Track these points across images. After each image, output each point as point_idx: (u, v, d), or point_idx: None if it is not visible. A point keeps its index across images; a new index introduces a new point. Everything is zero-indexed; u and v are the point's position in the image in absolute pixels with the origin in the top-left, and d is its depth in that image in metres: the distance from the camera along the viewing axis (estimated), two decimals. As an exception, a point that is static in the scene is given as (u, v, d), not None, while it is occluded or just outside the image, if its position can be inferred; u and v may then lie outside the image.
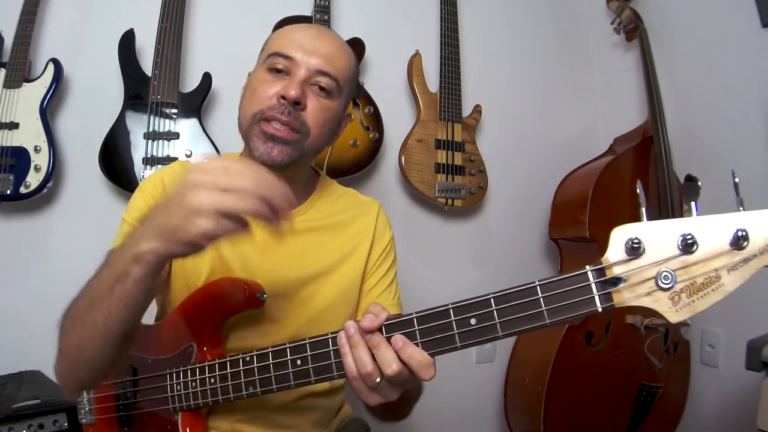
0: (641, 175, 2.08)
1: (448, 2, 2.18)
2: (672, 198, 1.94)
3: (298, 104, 1.05)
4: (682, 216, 1.90)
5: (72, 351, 0.93)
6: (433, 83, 2.16)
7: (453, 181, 2.12)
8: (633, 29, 2.26)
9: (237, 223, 0.76)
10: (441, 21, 2.17)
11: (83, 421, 1.24)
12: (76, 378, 0.98)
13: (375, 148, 2.02)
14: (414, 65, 2.13)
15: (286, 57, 1.07)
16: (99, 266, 0.91)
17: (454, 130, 2.14)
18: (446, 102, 2.13)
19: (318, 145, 1.12)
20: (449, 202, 2.12)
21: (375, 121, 2.02)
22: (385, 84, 2.14)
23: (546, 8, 2.53)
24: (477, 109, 2.23)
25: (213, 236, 0.76)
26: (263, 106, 1.06)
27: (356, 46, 2.01)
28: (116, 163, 1.73)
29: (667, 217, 1.91)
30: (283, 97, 1.04)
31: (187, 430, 1.05)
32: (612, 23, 2.35)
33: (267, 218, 0.78)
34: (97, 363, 0.93)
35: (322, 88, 1.08)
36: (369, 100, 2.02)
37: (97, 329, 0.87)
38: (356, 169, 1.99)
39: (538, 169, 2.41)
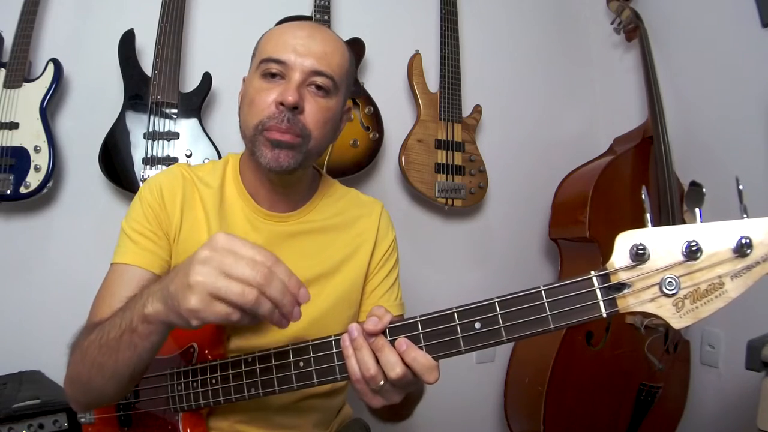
0: (641, 175, 2.08)
1: (448, 2, 2.18)
2: (672, 198, 1.95)
3: (296, 108, 1.05)
4: (682, 216, 1.89)
5: (82, 383, 0.96)
6: (433, 83, 2.16)
7: (453, 181, 2.12)
8: (633, 29, 2.26)
9: (234, 308, 0.74)
10: (441, 21, 2.17)
11: (83, 420, 1.24)
12: (86, 402, 1.02)
13: (375, 148, 2.02)
14: (414, 65, 2.13)
15: (279, 62, 1.06)
16: (114, 313, 0.92)
17: (454, 130, 2.14)
18: (446, 102, 2.13)
19: (321, 145, 1.12)
20: (449, 202, 2.12)
21: (375, 121, 2.02)
22: (385, 84, 2.13)
23: (546, 8, 2.53)
24: (477, 109, 2.23)
25: (201, 317, 0.74)
26: (263, 116, 1.05)
27: (356, 46, 2.01)
28: (116, 163, 1.72)
29: (667, 217, 1.92)
30: (281, 104, 1.04)
31: (188, 430, 1.06)
32: (612, 23, 2.35)
33: (269, 315, 0.75)
34: (108, 395, 0.97)
35: (319, 87, 1.07)
36: (369, 100, 2.02)
37: (106, 370, 0.90)
38: (356, 169, 1.98)
39: (538, 169, 2.41)
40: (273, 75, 1.07)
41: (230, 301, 0.72)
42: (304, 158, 1.09)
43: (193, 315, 0.74)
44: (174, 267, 0.83)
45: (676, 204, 1.94)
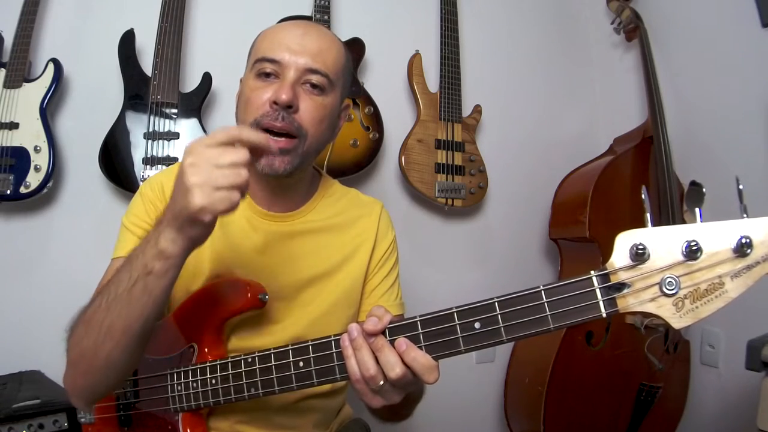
0: (641, 175, 2.09)
1: (448, 2, 2.17)
2: (672, 198, 1.95)
3: (291, 107, 1.04)
4: (682, 216, 1.89)
5: (87, 358, 0.93)
6: (433, 83, 2.16)
7: (453, 181, 2.12)
8: (633, 29, 2.26)
9: (234, 190, 0.81)
10: (441, 21, 2.17)
11: (83, 420, 1.24)
12: (90, 387, 0.98)
13: (375, 148, 2.02)
14: (414, 65, 2.13)
15: (273, 61, 1.05)
16: (115, 272, 0.93)
17: (454, 130, 2.14)
18: (446, 102, 2.13)
19: (318, 143, 1.12)
20: (449, 202, 2.12)
21: (375, 121, 2.02)
22: (385, 84, 2.13)
23: (546, 8, 2.53)
24: (477, 109, 2.23)
25: (211, 210, 0.80)
26: (257, 114, 1.05)
27: (356, 46, 2.00)
28: (116, 163, 1.72)
29: (667, 217, 1.92)
30: (275, 102, 1.03)
31: (188, 430, 1.06)
32: (612, 23, 2.34)
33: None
34: (115, 365, 0.94)
35: (314, 86, 1.06)
36: (369, 100, 2.02)
37: (115, 330, 0.88)
38: (356, 169, 1.98)
39: (538, 169, 2.41)
40: (267, 74, 1.06)
41: (229, 185, 0.80)
42: (301, 160, 1.08)
43: (203, 212, 0.80)
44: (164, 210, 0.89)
45: (676, 204, 1.94)
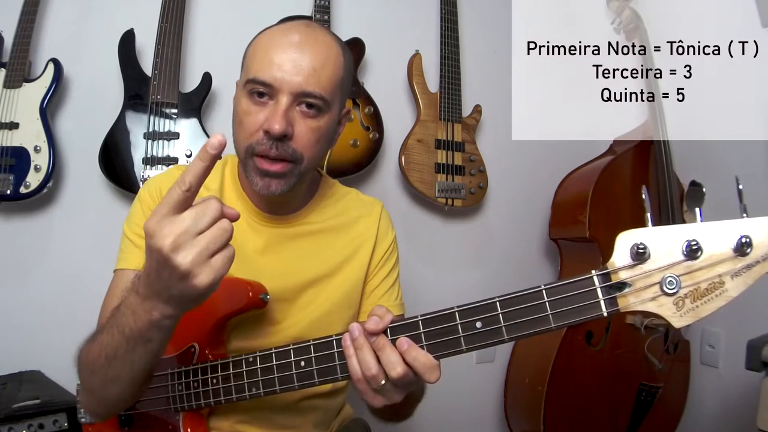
0: (641, 175, 2.09)
1: (448, 2, 2.18)
2: (672, 198, 1.95)
3: (285, 136, 1.01)
4: (682, 216, 1.89)
5: (96, 394, 0.97)
6: (433, 83, 2.16)
7: (453, 181, 2.12)
8: (633, 29, 2.26)
9: (226, 246, 0.77)
10: (441, 21, 2.17)
11: (83, 420, 1.24)
12: (105, 412, 1.03)
13: (375, 148, 2.02)
14: (414, 65, 2.13)
15: (265, 84, 1.01)
16: (105, 323, 0.93)
17: (454, 130, 2.14)
18: (446, 102, 2.13)
19: (315, 162, 1.10)
20: (449, 202, 2.12)
21: (375, 121, 2.02)
22: (385, 84, 2.13)
23: (546, 8, 2.52)
24: (477, 109, 2.23)
25: (217, 279, 0.76)
26: (252, 141, 1.02)
27: (356, 46, 2.01)
28: (116, 163, 1.72)
29: (667, 216, 1.93)
30: (268, 131, 1.00)
31: (189, 430, 1.05)
32: (612, 23, 2.34)
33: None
34: (127, 399, 0.99)
35: (309, 106, 1.02)
36: (369, 100, 2.02)
37: (121, 380, 0.92)
38: (356, 169, 1.99)
39: (538, 169, 2.41)
40: (261, 94, 1.02)
41: (220, 246, 0.75)
42: (297, 180, 1.07)
43: (211, 288, 0.76)
44: (146, 273, 0.80)
45: (676, 204, 1.95)
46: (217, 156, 0.76)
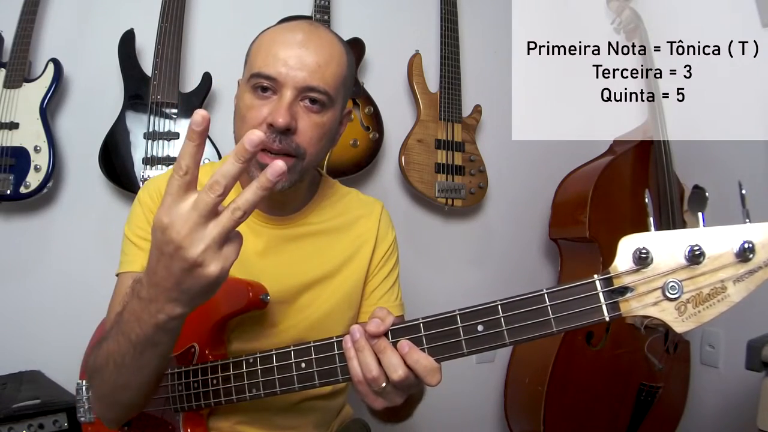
0: (641, 175, 2.09)
1: (448, 2, 2.18)
2: (672, 198, 1.95)
3: (288, 130, 1.01)
4: (682, 216, 1.89)
5: (107, 400, 0.98)
6: (433, 83, 2.16)
7: (453, 181, 2.12)
8: (633, 29, 2.26)
9: (233, 228, 0.74)
10: (441, 21, 2.17)
11: (82, 419, 1.24)
12: (117, 418, 1.03)
13: (375, 148, 2.02)
14: (414, 65, 2.13)
15: (269, 78, 1.01)
16: (109, 329, 0.93)
17: (454, 130, 2.14)
18: (446, 102, 2.13)
19: (318, 158, 1.10)
20: (449, 202, 2.12)
21: (375, 121, 2.02)
22: (385, 84, 2.13)
23: (546, 8, 2.52)
24: (477, 109, 2.23)
25: (228, 267, 0.75)
26: None
27: (356, 46, 2.00)
28: (116, 163, 1.72)
29: (667, 217, 1.93)
30: (272, 125, 1.00)
31: (188, 430, 1.05)
32: (612, 23, 2.34)
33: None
34: (138, 403, 0.99)
35: (313, 101, 1.03)
36: (369, 100, 2.02)
37: (130, 387, 0.92)
38: (356, 169, 1.99)
39: (538, 169, 2.42)
40: (264, 89, 1.02)
41: (230, 229, 0.73)
42: (299, 176, 1.07)
43: (223, 276, 0.74)
44: (152, 269, 0.78)
45: (676, 204, 1.95)
46: (205, 132, 0.75)
